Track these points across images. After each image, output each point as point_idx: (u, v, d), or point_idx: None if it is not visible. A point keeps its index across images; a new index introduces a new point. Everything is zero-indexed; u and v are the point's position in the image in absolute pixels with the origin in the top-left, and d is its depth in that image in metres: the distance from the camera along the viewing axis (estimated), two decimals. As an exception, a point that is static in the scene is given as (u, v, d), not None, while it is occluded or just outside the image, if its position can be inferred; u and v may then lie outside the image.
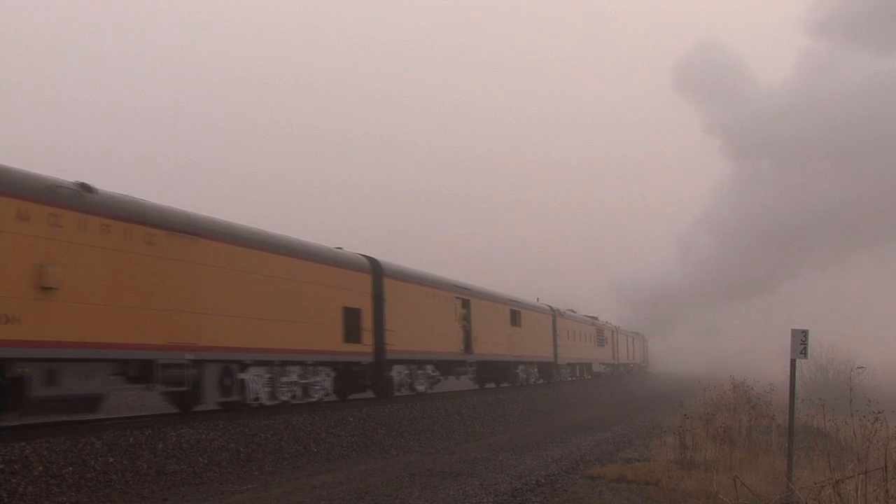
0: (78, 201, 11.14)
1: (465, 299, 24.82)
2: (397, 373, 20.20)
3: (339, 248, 18.81)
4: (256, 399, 14.90)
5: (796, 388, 10.76)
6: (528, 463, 13.17)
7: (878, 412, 10.73)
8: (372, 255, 19.81)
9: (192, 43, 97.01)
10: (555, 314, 35.80)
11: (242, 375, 14.47)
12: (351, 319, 17.81)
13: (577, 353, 39.76)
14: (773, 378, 18.62)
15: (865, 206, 47.67)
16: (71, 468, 9.90)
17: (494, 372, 28.62)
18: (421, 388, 21.93)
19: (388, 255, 20.65)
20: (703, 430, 14.47)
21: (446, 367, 23.64)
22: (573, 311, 40.91)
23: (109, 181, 12.31)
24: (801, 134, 47.97)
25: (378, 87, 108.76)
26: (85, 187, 11.48)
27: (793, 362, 10.70)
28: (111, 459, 10.49)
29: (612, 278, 71.78)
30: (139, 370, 12.24)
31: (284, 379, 15.70)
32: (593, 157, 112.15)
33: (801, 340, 10.52)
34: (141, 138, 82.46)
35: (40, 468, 9.56)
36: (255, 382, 14.80)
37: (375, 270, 19.40)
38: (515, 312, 29.87)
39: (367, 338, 18.56)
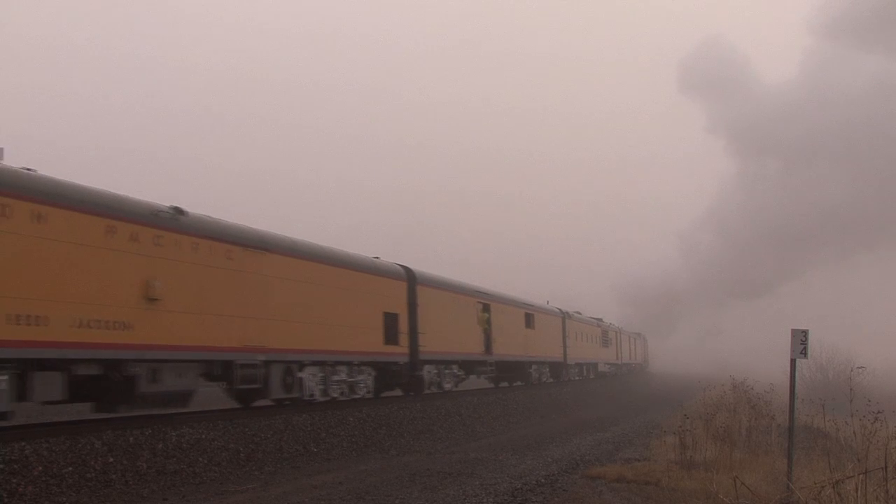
0: (174, 223, 12.87)
1: (486, 304, 26.55)
2: (427, 372, 21.81)
3: (377, 257, 20.55)
4: (311, 395, 16.31)
5: (796, 388, 10.76)
6: (528, 463, 13.16)
7: (878, 412, 10.71)
8: (406, 264, 21.54)
9: (196, 42, 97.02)
10: (564, 316, 37.33)
11: (300, 374, 15.99)
12: (390, 323, 19.63)
13: (584, 354, 41.38)
14: (774, 378, 18.60)
15: (870, 207, 47.54)
16: (71, 468, 9.90)
17: (511, 371, 30.08)
18: (448, 386, 23.53)
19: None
20: (703, 430, 14.45)
21: (469, 366, 25.36)
22: (579, 313, 42.06)
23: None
24: (806, 134, 47.78)
25: (382, 86, 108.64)
26: (178, 210, 13.12)
27: (793, 362, 10.70)
28: (111, 459, 10.49)
29: (612, 278, 71.78)
30: (220, 370, 13.88)
31: (335, 377, 17.29)
32: (597, 156, 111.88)
33: (801, 340, 10.52)
34: (141, 136, 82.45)
35: (40, 468, 9.57)
36: (311, 380, 16.33)
37: (410, 278, 21.19)
38: (529, 315, 31.53)
39: (404, 340, 20.30)
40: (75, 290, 10.92)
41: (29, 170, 10.82)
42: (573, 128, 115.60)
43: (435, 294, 22.39)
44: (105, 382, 11.71)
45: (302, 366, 15.98)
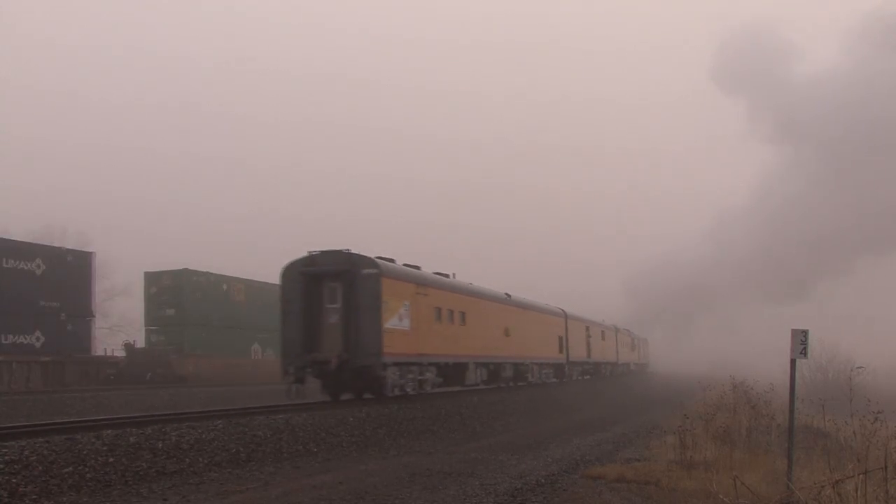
0: (508, 300, 29.49)
1: (587, 326, 43.26)
2: (568, 369, 38.51)
3: (547, 304, 36.84)
4: (533, 381, 32.15)
5: (796, 388, 10.75)
6: (528, 463, 13.16)
7: (878, 412, 10.71)
8: (561, 307, 38.56)
9: (196, 37, 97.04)
10: (616, 331, 52.37)
11: (533, 369, 32.55)
12: (559, 341, 37.04)
13: (625, 357, 56.35)
14: (774, 378, 18.57)
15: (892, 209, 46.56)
16: (71, 468, 9.91)
17: (595, 370, 45.77)
18: (575, 377, 40.18)
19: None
20: (703, 430, 14.45)
21: (580, 366, 41.75)
22: (616, 326, 54.56)
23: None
24: (847, 129, 46.52)
25: (384, 79, 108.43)
26: (508, 294, 29.81)
27: (793, 362, 10.69)
28: (111, 459, 10.50)
29: (614, 276, 71.98)
30: (517, 367, 30.29)
31: (542, 370, 33.93)
32: (602, 149, 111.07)
33: (800, 340, 10.51)
34: (138, 137, 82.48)
35: (40, 468, 9.57)
36: (536, 372, 32.83)
37: (565, 315, 38.40)
38: (603, 331, 47.77)
39: (563, 351, 37.64)
40: (490, 333, 26.84)
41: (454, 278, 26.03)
42: (572, 120, 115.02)
43: (573, 323, 39.62)
44: (491, 372, 27.18)
45: (532, 365, 32.02)
